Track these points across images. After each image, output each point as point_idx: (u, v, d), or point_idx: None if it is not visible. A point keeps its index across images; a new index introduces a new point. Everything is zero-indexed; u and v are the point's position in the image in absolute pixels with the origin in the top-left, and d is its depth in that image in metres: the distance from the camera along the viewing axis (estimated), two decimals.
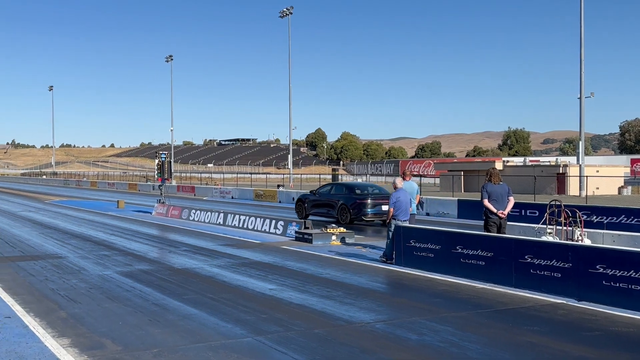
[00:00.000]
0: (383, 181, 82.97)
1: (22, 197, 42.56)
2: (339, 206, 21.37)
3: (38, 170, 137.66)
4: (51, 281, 10.31)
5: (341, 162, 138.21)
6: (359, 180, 77.92)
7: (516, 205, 20.85)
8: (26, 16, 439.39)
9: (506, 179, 14.73)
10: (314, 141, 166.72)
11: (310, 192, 24.04)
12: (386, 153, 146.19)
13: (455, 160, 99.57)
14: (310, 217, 21.97)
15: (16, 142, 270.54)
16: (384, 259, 12.36)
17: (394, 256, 12.02)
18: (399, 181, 12.83)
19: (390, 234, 12.20)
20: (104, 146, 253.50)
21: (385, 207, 19.69)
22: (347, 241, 15.56)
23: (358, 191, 21.77)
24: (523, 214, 20.13)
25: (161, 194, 27.19)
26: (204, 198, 43.48)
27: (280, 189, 43.05)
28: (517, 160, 71.93)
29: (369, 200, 20.75)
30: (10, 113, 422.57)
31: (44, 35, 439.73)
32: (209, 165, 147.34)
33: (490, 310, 8.18)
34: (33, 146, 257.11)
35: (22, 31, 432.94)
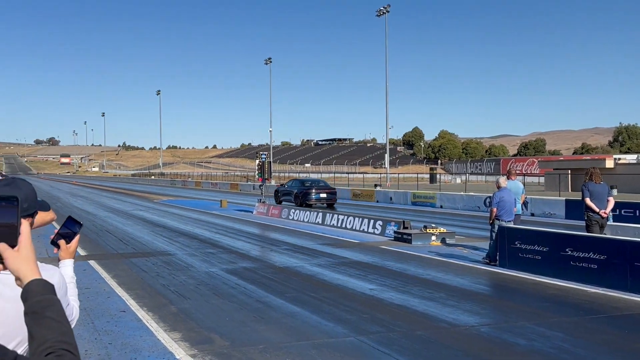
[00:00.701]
0: (483, 180, 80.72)
1: (133, 196, 44.96)
2: (294, 194, 29.37)
3: (147, 171, 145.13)
4: (162, 277, 10.82)
5: (439, 161, 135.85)
6: (459, 180, 76.59)
7: (630, 205, 19.75)
8: (135, 26, 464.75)
9: (618, 178, 13.96)
10: (411, 140, 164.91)
11: (281, 185, 33.20)
12: (486, 151, 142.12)
13: (562, 158, 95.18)
14: (283, 203, 29.10)
15: (127, 145, 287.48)
16: (487, 261, 12.02)
17: (497, 258, 11.67)
18: (502, 180, 12.42)
19: (494, 234, 11.85)
20: (207, 147, 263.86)
21: (323, 195, 29.03)
22: (447, 242, 15.28)
23: (307, 184, 30.07)
24: (638, 214, 18.96)
25: (262, 193, 27.87)
26: None
27: (378, 188, 42.81)
28: (630, 158, 67.69)
29: (312, 190, 28.92)
30: (122, 117, 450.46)
31: (151, 43, 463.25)
32: (307, 165, 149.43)
33: (604, 315, 7.75)
34: (142, 148, 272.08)
35: (132, 40, 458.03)
